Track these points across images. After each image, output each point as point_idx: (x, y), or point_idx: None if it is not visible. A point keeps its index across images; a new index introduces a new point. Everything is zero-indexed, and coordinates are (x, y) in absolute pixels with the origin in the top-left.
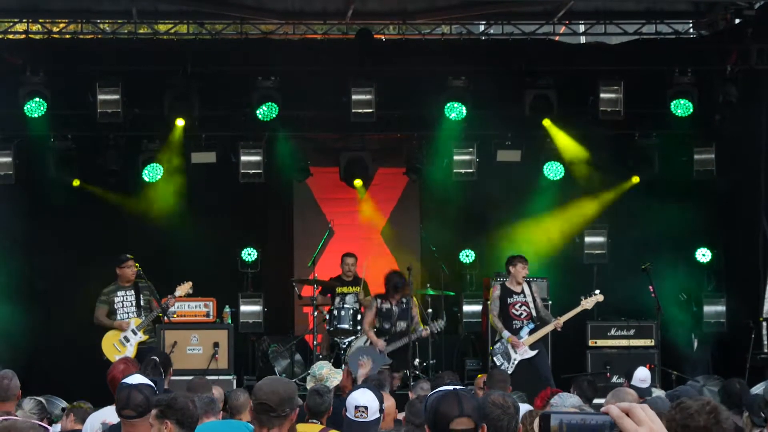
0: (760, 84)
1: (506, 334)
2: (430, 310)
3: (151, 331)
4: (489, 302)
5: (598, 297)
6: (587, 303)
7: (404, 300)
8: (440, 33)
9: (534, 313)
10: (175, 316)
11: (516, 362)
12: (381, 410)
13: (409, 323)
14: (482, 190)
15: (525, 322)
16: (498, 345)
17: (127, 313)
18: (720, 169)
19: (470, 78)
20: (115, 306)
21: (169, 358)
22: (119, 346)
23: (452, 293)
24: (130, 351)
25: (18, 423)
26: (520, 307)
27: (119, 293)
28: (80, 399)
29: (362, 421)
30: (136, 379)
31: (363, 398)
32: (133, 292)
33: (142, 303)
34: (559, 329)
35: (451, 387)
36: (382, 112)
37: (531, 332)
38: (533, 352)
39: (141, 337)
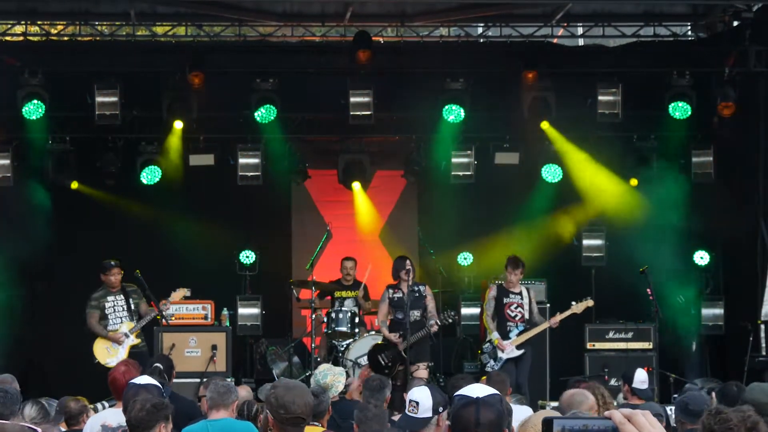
0: (758, 86)
1: (495, 335)
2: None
3: (140, 334)
4: (484, 303)
5: (588, 302)
6: (577, 307)
7: (416, 288)
8: (438, 35)
9: (527, 317)
10: (173, 318)
11: (502, 361)
12: (435, 411)
13: (423, 312)
14: (480, 193)
15: (518, 324)
16: (487, 345)
17: (120, 317)
18: (718, 172)
19: (468, 80)
20: (107, 311)
21: (171, 361)
22: (111, 349)
23: (450, 290)
24: (122, 354)
25: (7, 427)
26: (516, 308)
27: (109, 298)
28: None
29: (411, 415)
30: (144, 379)
31: (417, 394)
32: (122, 296)
33: (132, 307)
34: (554, 326)
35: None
36: (381, 114)
37: (520, 333)
38: (519, 352)
39: (133, 340)
